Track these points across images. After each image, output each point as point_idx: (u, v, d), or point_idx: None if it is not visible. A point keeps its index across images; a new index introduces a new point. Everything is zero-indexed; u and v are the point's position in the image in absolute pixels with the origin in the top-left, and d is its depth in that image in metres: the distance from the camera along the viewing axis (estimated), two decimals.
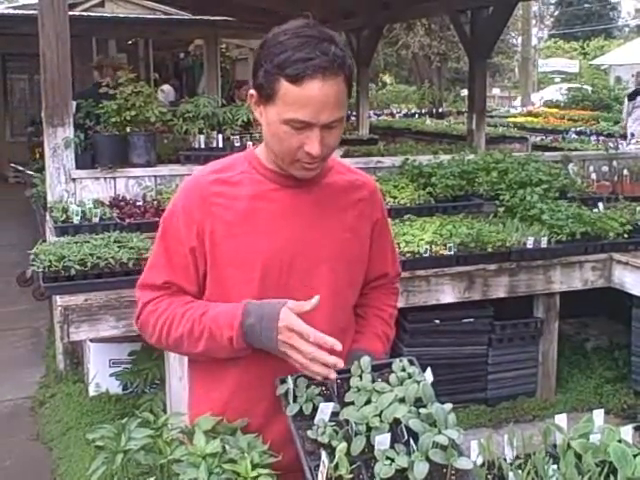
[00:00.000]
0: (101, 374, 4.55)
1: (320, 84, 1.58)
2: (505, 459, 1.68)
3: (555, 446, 1.70)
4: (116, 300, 3.62)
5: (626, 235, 4.73)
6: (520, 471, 1.61)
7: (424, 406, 1.56)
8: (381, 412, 1.55)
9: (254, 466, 1.46)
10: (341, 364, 1.59)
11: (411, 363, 1.72)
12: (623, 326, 5.06)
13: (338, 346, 1.57)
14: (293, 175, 1.75)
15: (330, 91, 1.59)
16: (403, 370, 1.69)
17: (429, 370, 1.70)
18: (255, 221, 1.74)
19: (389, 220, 2.06)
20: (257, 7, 10.50)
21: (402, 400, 1.58)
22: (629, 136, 9.69)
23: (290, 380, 1.65)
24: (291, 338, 1.58)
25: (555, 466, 1.61)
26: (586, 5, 41.40)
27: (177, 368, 3.70)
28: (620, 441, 1.64)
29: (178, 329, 1.71)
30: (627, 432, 1.68)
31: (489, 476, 1.62)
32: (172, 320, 1.72)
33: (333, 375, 1.59)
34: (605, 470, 1.57)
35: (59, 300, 3.61)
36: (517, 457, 1.70)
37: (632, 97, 10.24)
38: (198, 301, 1.76)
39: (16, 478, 3.90)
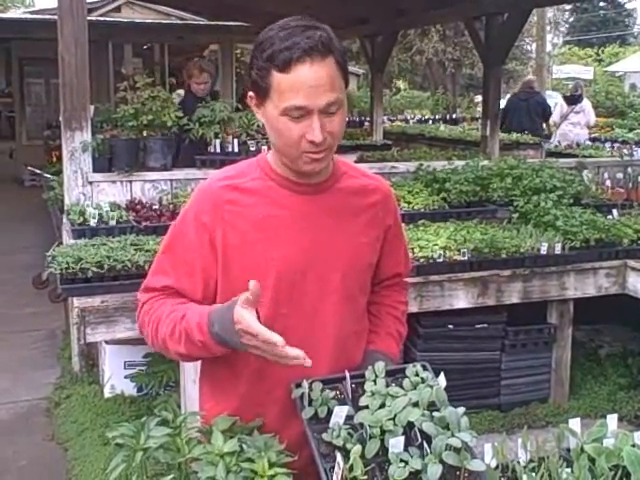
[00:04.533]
0: (116, 376, 4.58)
1: (309, 66, 1.59)
2: (519, 462, 1.69)
3: (568, 450, 1.71)
4: (132, 302, 3.65)
5: None
6: (534, 474, 1.62)
7: (437, 410, 1.58)
8: (395, 416, 1.57)
9: (271, 465, 1.48)
10: (301, 356, 1.54)
11: (424, 368, 1.74)
12: (637, 333, 5.06)
13: (280, 341, 1.52)
14: (306, 181, 1.75)
15: (320, 72, 1.60)
16: (416, 375, 1.71)
17: (442, 375, 1.72)
18: (268, 229, 1.73)
19: (402, 224, 2.07)
20: (272, 13, 10.56)
21: (416, 404, 1.60)
22: (556, 137, 10.38)
23: (305, 384, 1.67)
24: (251, 340, 1.55)
25: (569, 469, 1.62)
26: (601, 12, 41.26)
27: (191, 370, 3.73)
28: (634, 445, 1.65)
29: (162, 329, 1.70)
30: None
31: (503, 479, 1.64)
32: (159, 320, 1.72)
33: (307, 363, 1.55)
34: (618, 474, 1.58)
35: (76, 302, 3.65)
36: (530, 460, 1.71)
37: (571, 101, 10.67)
38: (187, 303, 1.73)
39: (31, 478, 3.93)
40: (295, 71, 1.59)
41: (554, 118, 10.73)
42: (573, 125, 10.50)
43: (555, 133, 10.76)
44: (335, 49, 1.63)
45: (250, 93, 1.71)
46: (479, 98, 17.29)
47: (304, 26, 1.62)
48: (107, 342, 4.42)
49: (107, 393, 4.59)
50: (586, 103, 10.78)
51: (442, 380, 1.69)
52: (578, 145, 9.28)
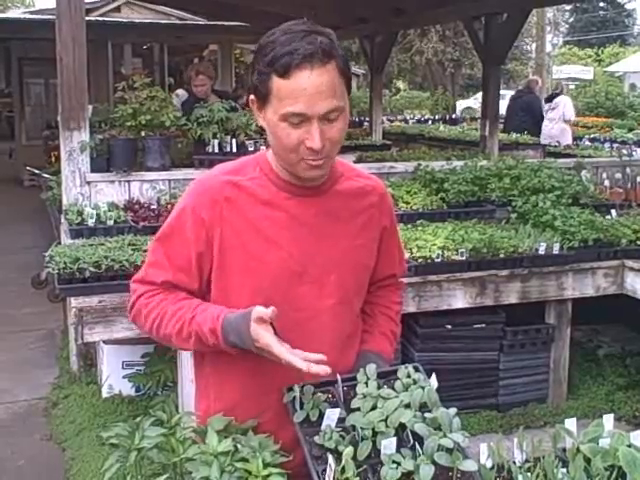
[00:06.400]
0: (114, 376, 4.57)
1: (308, 73, 1.57)
2: (514, 462, 1.69)
3: (564, 450, 1.71)
4: None
5: (639, 242, 4.72)
6: (529, 474, 1.62)
7: (429, 411, 1.57)
8: (387, 417, 1.57)
9: (265, 465, 1.48)
10: (316, 369, 1.56)
11: (416, 370, 1.73)
12: (635, 333, 5.05)
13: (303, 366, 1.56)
14: (304, 184, 1.73)
15: (320, 79, 1.57)
16: (408, 376, 1.71)
17: (434, 376, 1.71)
18: (265, 230, 1.72)
19: (397, 223, 2.06)
20: (272, 13, 10.55)
21: (407, 405, 1.60)
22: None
23: (297, 388, 1.67)
24: (271, 354, 1.59)
25: (564, 470, 1.62)
26: (601, 12, 41.29)
27: (189, 370, 3.69)
28: (630, 446, 1.65)
29: (168, 327, 1.73)
30: (637, 437, 1.68)
31: (498, 479, 1.63)
32: (162, 317, 1.74)
33: (315, 369, 1.57)
34: (614, 474, 1.58)
35: (73, 302, 3.65)
36: (526, 461, 1.70)
37: (549, 100, 11.10)
38: (189, 300, 1.75)
39: (29, 478, 3.93)
40: (295, 77, 1.57)
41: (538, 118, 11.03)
42: (550, 121, 10.77)
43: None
44: (337, 55, 1.61)
45: (251, 97, 1.70)
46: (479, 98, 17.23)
47: (306, 31, 1.60)
48: (105, 342, 4.42)
49: (105, 393, 4.59)
50: (562, 98, 10.99)
51: (434, 381, 1.68)
52: (558, 142, 9.68)
